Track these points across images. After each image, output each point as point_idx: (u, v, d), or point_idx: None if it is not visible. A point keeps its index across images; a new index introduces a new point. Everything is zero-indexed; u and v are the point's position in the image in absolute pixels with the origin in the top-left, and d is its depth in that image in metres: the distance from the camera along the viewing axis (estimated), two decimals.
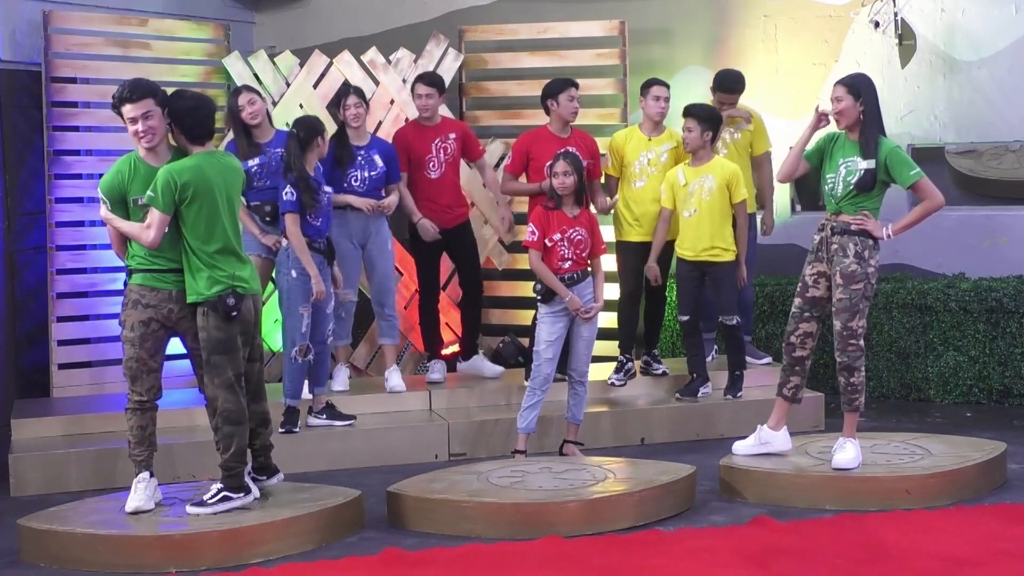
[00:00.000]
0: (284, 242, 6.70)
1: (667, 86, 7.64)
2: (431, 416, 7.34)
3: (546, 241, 6.54)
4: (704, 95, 8.23)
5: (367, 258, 7.39)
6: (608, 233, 7.28)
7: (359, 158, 7.30)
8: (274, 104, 8.41)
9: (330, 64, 8.65)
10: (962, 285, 8.11)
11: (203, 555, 5.27)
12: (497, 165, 8.61)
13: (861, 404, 6.09)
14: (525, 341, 8.10)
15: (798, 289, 6.19)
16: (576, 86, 7.46)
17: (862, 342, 6.02)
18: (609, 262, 7.34)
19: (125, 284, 5.61)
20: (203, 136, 5.55)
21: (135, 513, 5.51)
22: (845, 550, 5.15)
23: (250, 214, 7.17)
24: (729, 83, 8.00)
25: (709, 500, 6.07)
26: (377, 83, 8.60)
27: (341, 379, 7.47)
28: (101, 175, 8.26)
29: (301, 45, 9.35)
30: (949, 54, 8.50)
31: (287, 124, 8.10)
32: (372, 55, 8.70)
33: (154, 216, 5.38)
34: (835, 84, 6.09)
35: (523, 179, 7.62)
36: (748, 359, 7.94)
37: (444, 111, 8.05)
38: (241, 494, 5.54)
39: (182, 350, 5.75)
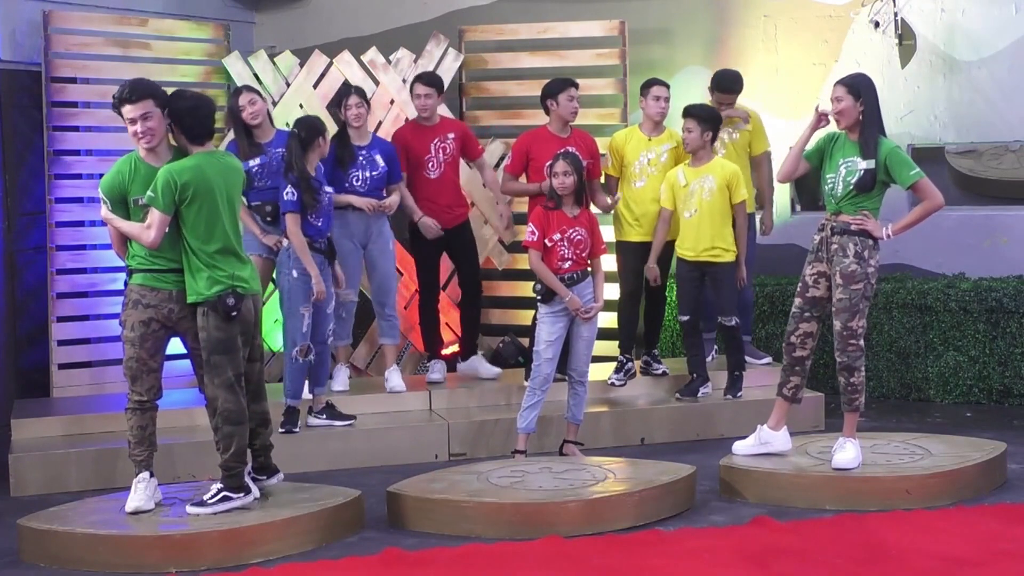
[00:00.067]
0: (285, 242, 6.70)
1: (667, 86, 7.65)
2: (431, 416, 7.34)
3: (546, 241, 6.54)
4: (704, 95, 8.23)
5: (368, 258, 7.39)
6: (608, 233, 7.28)
7: (361, 158, 7.30)
8: (274, 104, 8.41)
9: (330, 64, 8.65)
10: (962, 285, 8.11)
11: (203, 555, 5.27)
12: (497, 165, 8.62)
13: (861, 404, 6.09)
14: (525, 341, 8.10)
15: (798, 289, 6.19)
16: (576, 86, 7.46)
17: (862, 342, 6.02)
18: (609, 262, 7.34)
19: (125, 284, 5.61)
20: (203, 136, 5.55)
21: (135, 513, 5.51)
22: (845, 550, 5.15)
23: (251, 214, 7.17)
24: (727, 83, 8.00)
25: (709, 500, 6.07)
26: (377, 83, 8.60)
27: (341, 379, 7.47)
28: (101, 175, 8.27)
29: (301, 45, 9.35)
30: (949, 54, 8.50)
31: (287, 124, 8.12)
32: (372, 55, 8.70)
33: (154, 216, 5.38)
34: (835, 84, 6.09)
35: (523, 179, 7.62)
36: (748, 359, 7.94)
37: (443, 111, 8.05)
38: (241, 494, 5.54)
39: (182, 350, 5.75)
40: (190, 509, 5.50)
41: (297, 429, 6.84)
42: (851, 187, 5.98)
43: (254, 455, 5.76)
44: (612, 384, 7.55)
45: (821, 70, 8.81)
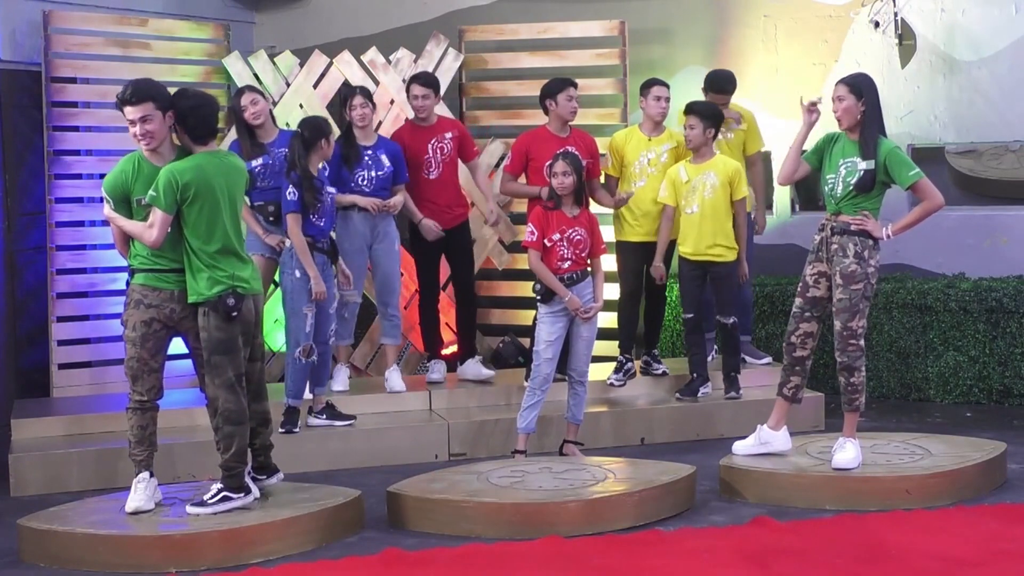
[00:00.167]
0: (287, 242, 6.71)
1: (667, 86, 7.65)
2: (431, 416, 7.34)
3: (545, 241, 6.54)
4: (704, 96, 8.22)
5: (373, 258, 7.39)
6: (608, 233, 7.28)
7: (366, 158, 7.29)
8: (274, 104, 8.41)
9: (330, 64, 8.65)
10: (962, 285, 8.11)
11: (203, 555, 5.27)
12: (497, 165, 8.62)
13: (861, 404, 6.09)
14: (525, 341, 8.10)
15: (799, 289, 6.19)
16: (575, 86, 7.46)
17: (862, 342, 6.02)
18: (609, 262, 7.34)
19: (127, 284, 5.60)
20: (206, 136, 5.54)
21: (135, 513, 5.51)
22: (845, 550, 5.14)
23: (253, 214, 7.17)
24: (720, 83, 7.99)
25: (709, 500, 6.07)
26: (377, 83, 8.60)
27: (341, 379, 7.47)
28: (101, 175, 8.30)
29: (301, 45, 9.35)
30: (949, 54, 8.50)
31: (287, 124, 8.14)
32: (372, 55, 8.70)
33: (156, 216, 5.38)
34: (837, 83, 6.08)
35: (522, 179, 7.61)
36: (748, 359, 7.96)
37: (442, 110, 8.05)
38: (241, 494, 5.54)
39: (184, 350, 5.75)
40: (190, 509, 5.50)
41: (297, 429, 6.84)
42: (851, 187, 5.98)
43: (254, 455, 5.76)
44: (611, 384, 7.55)
45: (821, 70, 8.81)
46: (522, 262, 8.33)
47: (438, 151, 7.56)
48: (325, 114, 8.26)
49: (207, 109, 5.57)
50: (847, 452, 5.99)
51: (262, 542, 5.36)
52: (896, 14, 8.52)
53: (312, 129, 6.68)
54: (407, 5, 9.79)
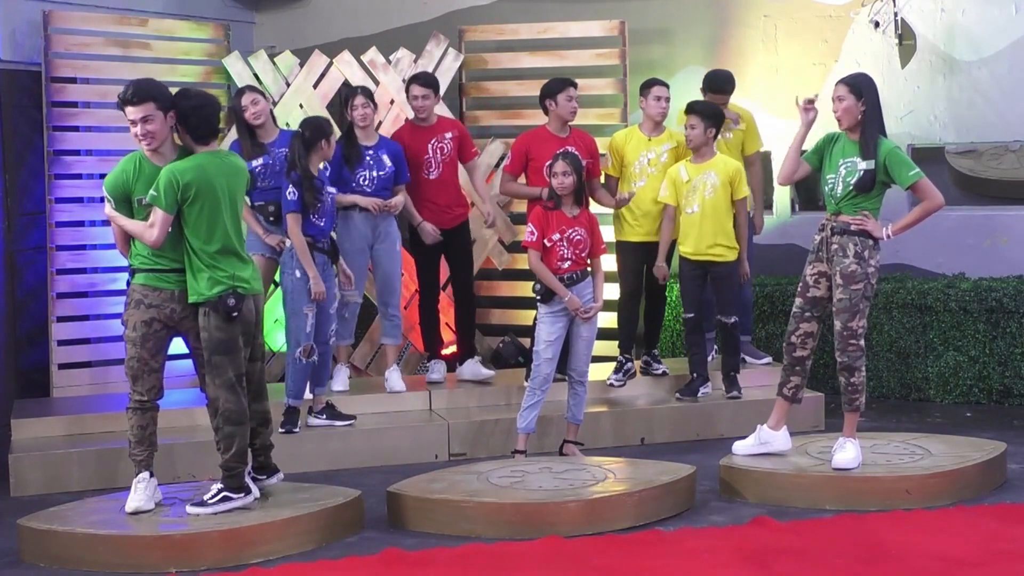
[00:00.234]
0: (287, 242, 6.71)
1: (667, 86, 7.65)
2: (431, 416, 7.34)
3: (545, 241, 6.54)
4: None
5: (374, 258, 7.38)
6: (608, 233, 7.28)
7: (367, 158, 7.29)
8: (274, 104, 8.41)
9: (330, 64, 8.66)
10: (962, 285, 8.11)
11: (203, 555, 5.27)
12: (497, 165, 8.62)
13: (861, 404, 6.09)
14: (525, 341, 8.10)
15: (799, 289, 6.19)
16: (575, 86, 7.46)
17: (862, 342, 6.02)
18: (609, 262, 7.34)
19: (128, 284, 5.60)
20: (207, 136, 5.54)
21: (135, 513, 5.51)
22: (845, 550, 5.14)
23: (254, 214, 7.17)
24: (719, 83, 7.99)
25: (709, 500, 6.07)
26: (377, 83, 8.60)
27: (341, 379, 7.47)
28: (101, 175, 8.30)
29: (301, 45, 9.36)
30: (949, 54, 8.50)
31: (287, 124, 8.14)
32: (372, 55, 8.70)
33: (157, 215, 5.38)
34: (837, 83, 6.08)
35: (522, 179, 7.61)
36: (748, 359, 7.95)
37: (442, 110, 8.05)
38: (241, 494, 5.54)
39: (184, 350, 5.75)
40: (190, 509, 5.50)
41: (297, 429, 6.84)
42: (851, 187, 5.98)
43: (254, 455, 5.76)
44: (611, 384, 7.54)
45: (821, 70, 8.81)
46: (522, 262, 8.33)
47: (438, 151, 7.56)
48: (325, 114, 8.26)
49: (209, 109, 5.57)
50: (847, 452, 5.99)
51: (262, 542, 5.36)
52: (896, 14, 8.52)
53: (313, 129, 6.69)
54: (407, 5, 9.79)
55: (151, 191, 5.38)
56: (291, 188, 6.63)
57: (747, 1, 9.10)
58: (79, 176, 8.39)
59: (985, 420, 7.67)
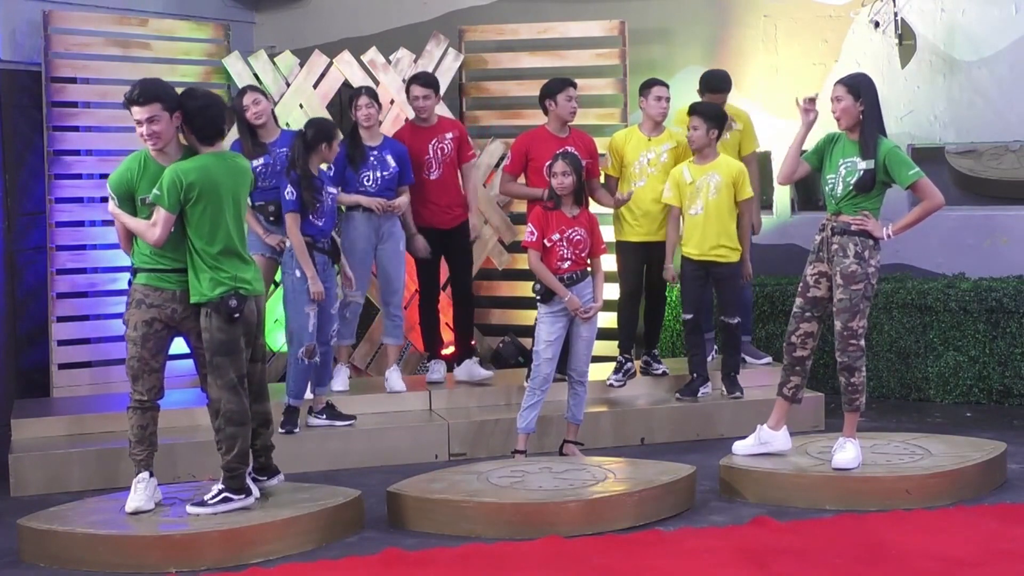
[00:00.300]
0: (287, 242, 6.71)
1: (667, 86, 7.65)
2: (431, 416, 7.34)
3: (545, 241, 6.54)
4: None
5: (377, 257, 7.38)
6: (608, 233, 7.28)
7: (371, 158, 7.28)
8: (275, 104, 8.41)
9: (330, 64, 8.65)
10: (962, 285, 8.11)
11: (203, 555, 5.27)
12: (497, 165, 8.62)
13: (862, 404, 6.10)
14: (525, 341, 8.10)
15: (799, 289, 6.19)
16: (574, 86, 7.46)
17: (863, 342, 6.02)
18: (609, 262, 7.34)
19: (129, 283, 5.60)
20: (213, 136, 5.53)
21: (135, 513, 5.51)
22: (845, 550, 5.15)
23: (254, 214, 7.17)
24: (716, 83, 7.99)
25: (709, 500, 6.07)
26: (377, 83, 8.59)
27: (341, 379, 7.47)
28: (101, 175, 8.33)
29: (301, 45, 9.36)
30: (949, 54, 8.50)
31: (287, 124, 8.14)
32: (372, 55, 8.70)
33: (159, 215, 5.38)
34: (835, 84, 6.09)
35: (522, 179, 7.61)
36: (748, 359, 7.95)
37: (442, 110, 8.04)
38: (242, 496, 5.53)
39: (185, 350, 5.75)
40: (190, 509, 5.50)
41: (297, 430, 6.84)
42: (851, 187, 5.98)
43: (255, 455, 5.75)
44: (611, 385, 7.54)
45: (821, 70, 8.82)
46: (522, 262, 8.33)
47: (439, 151, 7.56)
48: (325, 114, 8.26)
49: (215, 110, 5.56)
50: (847, 452, 5.99)
51: (262, 542, 5.36)
52: (896, 14, 8.52)
53: (317, 130, 6.67)
54: (407, 5, 9.79)
55: (154, 190, 5.38)
56: (289, 188, 6.62)
57: (747, 1, 9.10)
58: (79, 176, 8.39)
59: (985, 420, 7.67)
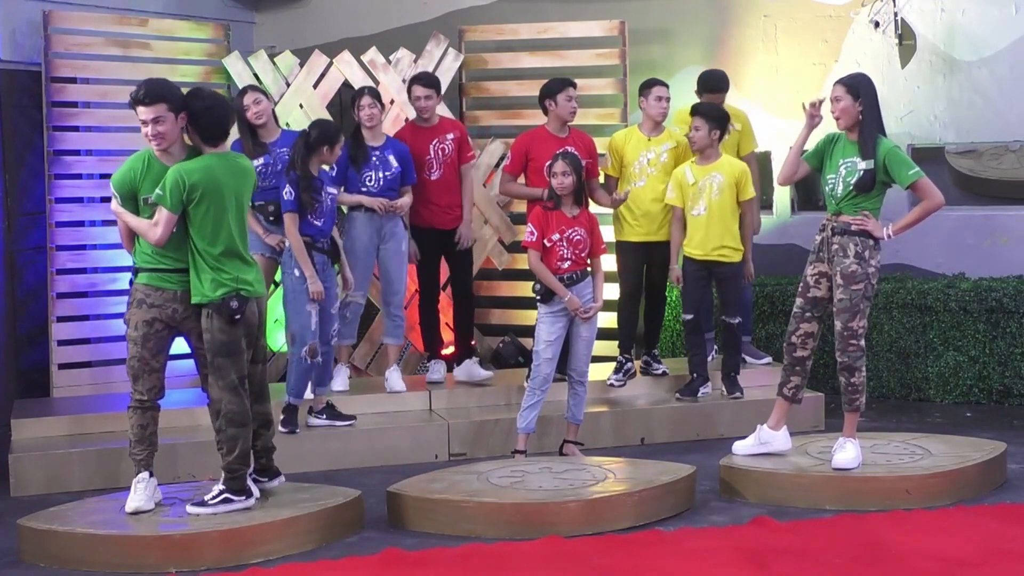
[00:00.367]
0: (287, 242, 6.71)
1: (667, 86, 7.65)
2: (431, 416, 7.34)
3: (545, 241, 6.54)
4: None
5: (380, 257, 7.38)
6: (608, 233, 7.28)
7: (374, 158, 7.28)
8: (274, 104, 8.40)
9: (330, 64, 8.65)
10: (962, 285, 8.11)
11: (203, 555, 5.27)
12: (497, 165, 8.62)
13: (862, 404, 6.10)
14: (526, 341, 8.09)
15: (799, 289, 6.19)
16: (574, 86, 7.46)
17: (863, 342, 6.02)
18: (609, 262, 7.34)
19: (131, 283, 5.60)
20: (217, 137, 5.52)
21: (135, 513, 5.51)
22: (845, 550, 5.15)
23: (254, 214, 7.17)
24: (714, 83, 7.99)
25: (709, 500, 6.07)
26: (377, 83, 8.59)
27: (341, 379, 7.46)
28: (101, 175, 8.33)
29: (301, 45, 9.36)
30: (949, 54, 8.50)
31: (287, 124, 8.13)
32: (372, 55, 8.70)
33: (162, 214, 5.38)
34: (834, 84, 6.09)
35: (521, 179, 7.61)
36: (748, 359, 7.95)
37: (442, 110, 8.04)
38: (243, 497, 5.53)
39: (186, 350, 5.75)
40: (190, 509, 5.50)
41: (298, 430, 6.83)
42: (851, 187, 5.98)
43: (256, 457, 5.74)
44: (611, 384, 7.54)
45: (821, 70, 8.82)
46: (522, 262, 8.33)
47: (440, 152, 7.55)
48: (325, 114, 8.25)
49: (220, 111, 5.55)
50: (847, 452, 5.99)
51: (262, 542, 5.36)
52: (896, 14, 8.52)
53: (320, 132, 6.65)
54: (407, 5, 9.79)
55: (157, 190, 5.38)
56: (288, 188, 6.62)
57: (747, 1, 9.10)
58: (79, 176, 8.39)
59: (985, 420, 7.67)
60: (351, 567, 5.17)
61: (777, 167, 8.74)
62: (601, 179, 7.73)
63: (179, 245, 5.46)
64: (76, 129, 8.38)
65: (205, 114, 5.47)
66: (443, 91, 7.97)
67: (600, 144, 7.90)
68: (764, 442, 6.26)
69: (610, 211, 7.66)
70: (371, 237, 7.30)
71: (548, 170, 6.67)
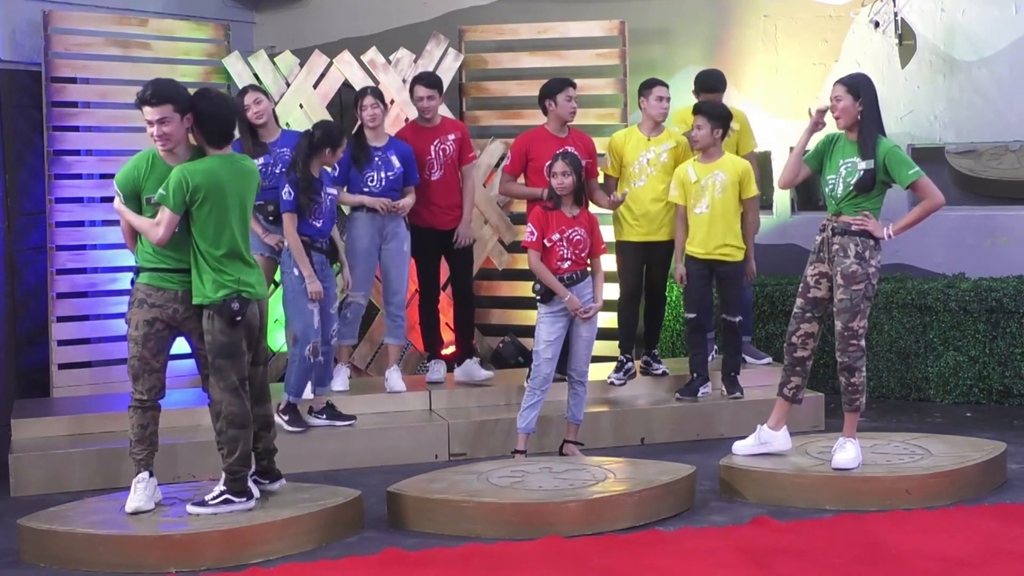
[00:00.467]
0: (286, 242, 6.71)
1: (667, 86, 7.65)
2: (431, 416, 7.34)
3: (545, 241, 6.54)
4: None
5: (381, 258, 7.37)
6: (608, 233, 7.28)
7: (376, 159, 7.28)
8: (275, 104, 8.39)
9: (330, 64, 8.65)
10: (962, 285, 8.11)
11: (203, 555, 5.27)
12: (497, 165, 8.62)
13: (862, 404, 6.10)
14: (526, 341, 8.09)
15: (800, 289, 6.19)
16: (574, 86, 7.45)
17: (863, 342, 6.02)
18: (609, 262, 7.34)
19: (132, 283, 5.60)
20: (222, 140, 5.52)
21: (135, 513, 5.51)
22: (845, 550, 5.15)
23: (254, 214, 7.15)
24: (711, 83, 7.99)
25: (709, 500, 6.07)
26: (377, 83, 8.59)
27: (341, 379, 7.46)
28: (101, 175, 8.33)
29: (301, 45, 9.36)
30: (949, 54, 8.50)
31: (287, 124, 8.14)
32: (372, 55, 8.70)
33: (164, 214, 5.38)
34: (834, 84, 6.09)
35: (521, 179, 7.61)
36: (748, 359, 7.95)
37: (444, 111, 8.04)
38: (243, 499, 5.52)
39: (186, 350, 5.75)
40: (190, 508, 5.50)
41: (304, 428, 6.82)
42: (851, 188, 5.98)
43: (257, 458, 5.73)
44: (612, 383, 7.54)
45: (821, 70, 8.82)
46: (522, 262, 8.33)
47: (441, 152, 7.55)
48: (325, 114, 8.25)
49: (226, 113, 5.54)
50: (847, 452, 5.99)
51: (262, 542, 5.36)
52: (896, 14, 8.52)
53: (324, 134, 6.65)
54: (407, 5, 9.80)
55: (160, 190, 5.38)
56: (287, 188, 6.62)
57: (747, 1, 9.10)
58: (79, 176, 8.39)
59: (985, 420, 7.67)
60: (351, 567, 5.17)
61: (777, 167, 8.75)
62: (601, 179, 7.73)
63: (181, 245, 5.45)
64: (76, 129, 8.38)
65: (211, 116, 5.47)
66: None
67: (600, 144, 7.90)
68: (764, 442, 6.26)
69: (610, 211, 7.66)
70: (373, 237, 7.30)
71: (548, 170, 6.67)
